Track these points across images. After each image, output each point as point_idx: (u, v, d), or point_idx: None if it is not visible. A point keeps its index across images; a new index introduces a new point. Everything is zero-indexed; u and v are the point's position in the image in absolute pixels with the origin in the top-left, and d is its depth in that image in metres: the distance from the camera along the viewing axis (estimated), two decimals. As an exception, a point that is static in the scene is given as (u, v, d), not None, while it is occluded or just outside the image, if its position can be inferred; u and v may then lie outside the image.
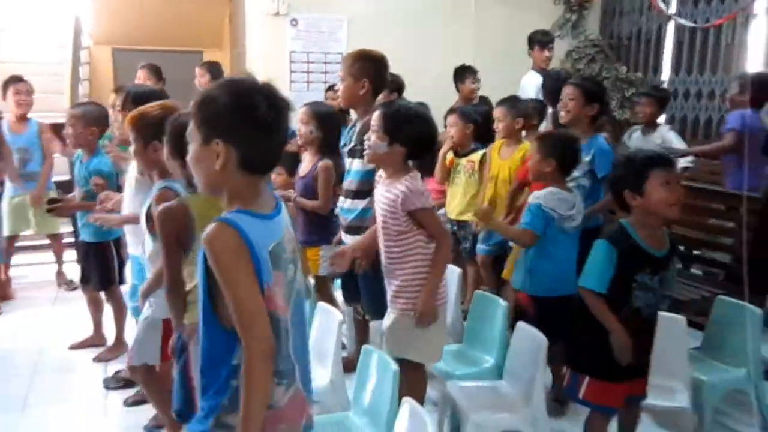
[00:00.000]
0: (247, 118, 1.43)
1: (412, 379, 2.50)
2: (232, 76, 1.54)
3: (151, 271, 2.49)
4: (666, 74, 6.57)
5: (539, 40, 5.31)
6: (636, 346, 2.28)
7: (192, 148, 1.49)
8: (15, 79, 4.73)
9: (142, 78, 5.14)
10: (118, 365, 3.51)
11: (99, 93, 7.37)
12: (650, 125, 4.66)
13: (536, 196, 2.93)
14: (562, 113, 3.41)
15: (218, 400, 1.49)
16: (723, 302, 2.99)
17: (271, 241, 1.47)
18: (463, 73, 5.18)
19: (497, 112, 3.93)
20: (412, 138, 2.41)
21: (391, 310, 2.52)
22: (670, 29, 6.54)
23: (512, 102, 3.99)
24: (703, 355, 2.93)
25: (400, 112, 2.42)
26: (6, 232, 4.68)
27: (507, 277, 3.52)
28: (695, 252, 3.85)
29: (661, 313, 2.41)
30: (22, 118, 4.77)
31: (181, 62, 7.43)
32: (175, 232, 2.09)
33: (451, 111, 4.17)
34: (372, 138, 2.45)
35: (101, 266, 3.60)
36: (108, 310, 3.80)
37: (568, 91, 3.40)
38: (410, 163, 2.50)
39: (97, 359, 3.67)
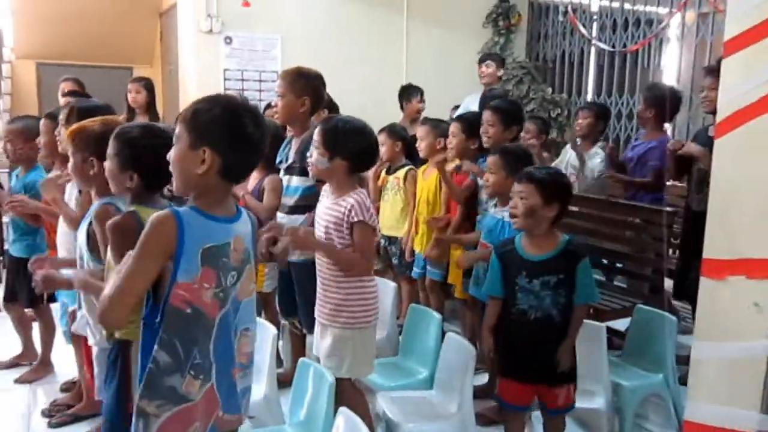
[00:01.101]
0: (236, 133, 1.60)
1: (356, 395, 2.52)
2: (223, 93, 1.74)
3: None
4: (589, 96, 6.90)
5: (478, 59, 5.56)
6: (527, 347, 2.47)
7: (177, 150, 1.63)
8: None
9: (67, 90, 5.01)
10: (45, 386, 3.42)
11: (21, 108, 7.13)
12: (587, 138, 4.54)
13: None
14: (484, 138, 3.45)
15: (138, 384, 1.61)
16: (642, 311, 3.16)
17: (210, 241, 1.60)
18: (409, 92, 5.26)
19: (420, 131, 3.94)
20: (353, 151, 2.42)
21: (330, 327, 2.47)
22: (593, 53, 6.89)
23: (435, 122, 4.04)
24: (623, 361, 3.08)
25: (338, 126, 2.44)
26: None
27: (462, 296, 3.60)
28: (618, 264, 4.01)
29: (587, 321, 2.59)
30: None
31: (111, 78, 7.26)
32: (129, 245, 2.03)
33: (381, 130, 4.24)
34: (314, 154, 2.47)
35: (30, 283, 3.47)
36: (36, 329, 3.66)
37: (486, 116, 3.45)
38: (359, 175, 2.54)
39: (20, 380, 3.52)
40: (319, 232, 2.49)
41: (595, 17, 6.79)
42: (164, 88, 7.59)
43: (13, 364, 3.68)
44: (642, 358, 3.07)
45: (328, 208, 2.47)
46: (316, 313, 2.55)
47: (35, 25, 7.45)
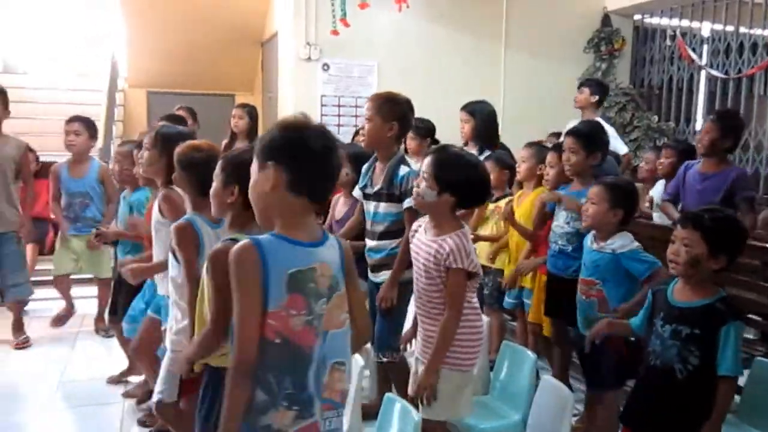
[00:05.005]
0: (296, 146, 1.58)
1: None
2: (287, 116, 1.70)
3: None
4: (699, 124, 6.51)
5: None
6: (645, 392, 2.32)
7: (252, 178, 1.64)
8: (67, 120, 4.48)
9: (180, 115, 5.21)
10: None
11: (131, 134, 7.52)
12: (671, 177, 4.19)
13: (635, 243, 2.81)
14: (566, 167, 3.25)
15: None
16: (762, 364, 2.84)
17: (295, 266, 1.56)
18: None
19: (523, 153, 3.84)
20: (463, 186, 2.28)
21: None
22: (703, 79, 6.51)
23: (539, 147, 3.89)
24: (739, 421, 2.78)
25: (451, 159, 2.32)
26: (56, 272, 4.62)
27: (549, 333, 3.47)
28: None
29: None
30: (80, 161, 4.49)
31: (214, 105, 7.59)
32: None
33: (487, 157, 4.12)
34: (421, 185, 2.34)
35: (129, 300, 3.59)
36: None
37: (567, 143, 3.21)
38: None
39: (127, 395, 3.62)
40: (418, 268, 2.37)
41: (705, 41, 6.43)
42: (264, 115, 7.81)
43: (122, 379, 3.79)
44: (761, 418, 2.75)
45: (426, 245, 2.33)
46: (417, 350, 2.44)
47: (146, 56, 7.90)
